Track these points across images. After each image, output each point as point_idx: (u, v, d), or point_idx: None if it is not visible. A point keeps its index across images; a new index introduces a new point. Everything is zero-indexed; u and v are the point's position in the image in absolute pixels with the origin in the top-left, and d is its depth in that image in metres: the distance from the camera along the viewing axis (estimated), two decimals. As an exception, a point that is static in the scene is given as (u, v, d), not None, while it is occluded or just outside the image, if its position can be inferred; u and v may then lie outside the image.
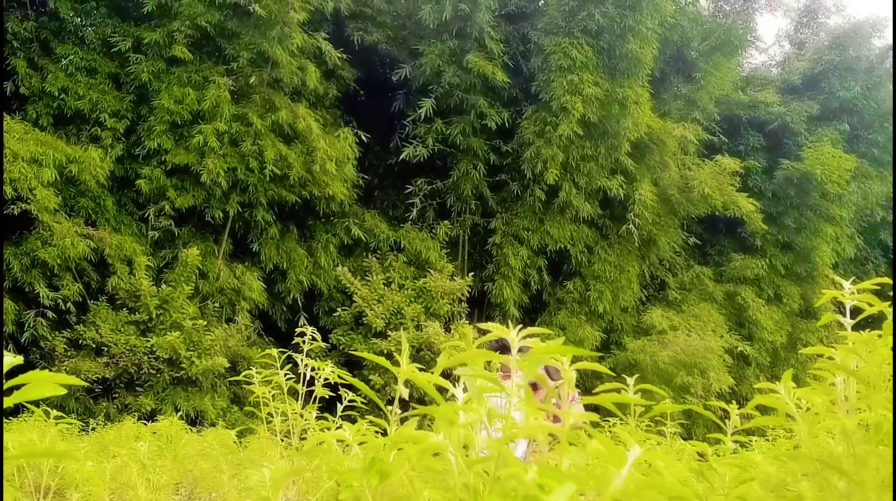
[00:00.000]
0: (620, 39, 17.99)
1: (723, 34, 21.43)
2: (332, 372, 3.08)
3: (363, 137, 17.94)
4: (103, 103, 16.10)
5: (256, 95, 16.65)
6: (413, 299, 17.20)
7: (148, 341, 14.64)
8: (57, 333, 14.39)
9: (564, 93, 17.51)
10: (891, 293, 2.32)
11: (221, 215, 16.36)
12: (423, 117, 17.99)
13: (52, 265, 14.47)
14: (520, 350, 1.51)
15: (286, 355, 3.70)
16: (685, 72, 21.74)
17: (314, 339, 3.69)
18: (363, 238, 18.08)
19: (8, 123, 14.99)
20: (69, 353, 14.32)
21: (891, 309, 1.86)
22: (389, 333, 16.49)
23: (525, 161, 18.07)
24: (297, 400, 3.36)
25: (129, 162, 16.34)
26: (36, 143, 14.98)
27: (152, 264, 15.69)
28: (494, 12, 18.32)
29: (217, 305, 16.16)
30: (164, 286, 15.33)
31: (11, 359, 1.32)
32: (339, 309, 17.33)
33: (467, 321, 17.15)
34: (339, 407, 3.05)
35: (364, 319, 16.80)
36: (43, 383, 1.24)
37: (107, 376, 14.25)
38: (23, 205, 14.17)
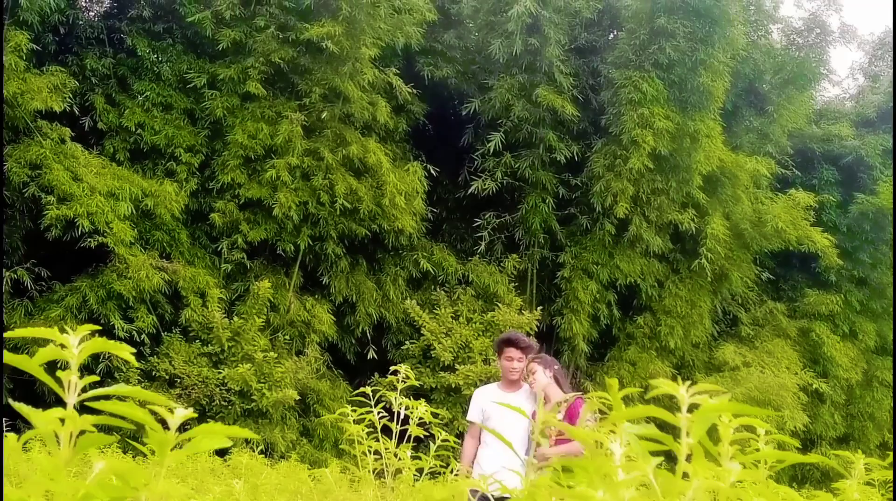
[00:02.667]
0: (692, 73, 17.86)
1: (795, 67, 21.17)
2: (426, 411, 3.07)
3: (432, 171, 18.02)
4: (178, 138, 16.42)
5: (328, 130, 16.84)
6: (481, 333, 17.16)
7: (220, 372, 14.80)
8: (131, 365, 14.60)
9: (635, 126, 17.41)
10: None
11: (292, 248, 16.52)
12: (491, 151, 18.01)
13: (127, 298, 14.73)
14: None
15: (356, 391, 3.69)
16: (757, 105, 21.51)
17: (407, 378, 3.68)
18: (432, 271, 18.11)
19: (86, 157, 15.36)
20: (143, 384, 14.52)
21: None
22: (457, 366, 16.46)
23: (594, 195, 17.99)
24: (389, 439, 3.35)
25: (203, 196, 16.63)
26: (113, 177, 15.33)
27: (225, 297, 15.89)
28: (564, 46, 18.33)
29: (287, 337, 16.29)
30: (235, 319, 15.50)
31: (184, 412, 1.35)
32: (407, 342, 17.35)
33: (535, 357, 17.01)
34: (433, 446, 3.03)
35: (432, 352, 16.80)
36: (213, 435, 1.26)
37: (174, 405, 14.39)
38: (100, 238, 14.48)
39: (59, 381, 1.38)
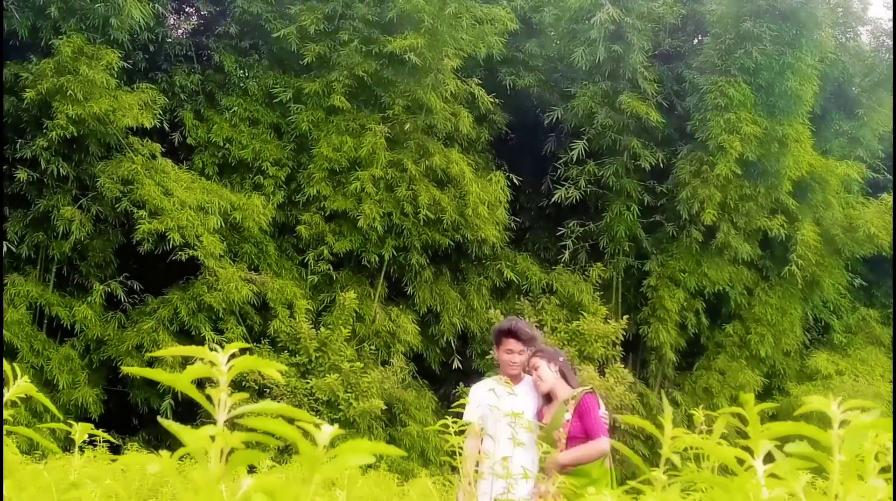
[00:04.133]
0: (779, 77, 17.53)
1: (885, 70, 20.63)
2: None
3: (515, 180, 17.99)
4: (265, 152, 16.69)
5: (411, 141, 16.94)
6: (566, 343, 17.03)
7: (308, 383, 14.95)
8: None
9: (721, 132, 17.14)
10: None
11: (377, 258, 16.63)
12: (574, 159, 17.92)
13: (217, 309, 14.98)
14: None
15: (456, 403, 3.67)
16: (847, 108, 21.01)
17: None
18: (515, 281, 18.06)
19: (176, 172, 15.68)
20: (231, 395, 14.69)
21: None
22: (544, 376, 16.33)
23: (681, 202, 17.76)
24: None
25: (289, 208, 16.85)
26: (202, 191, 15.62)
27: (311, 308, 16.06)
28: (648, 52, 18.16)
29: (373, 347, 16.39)
30: (322, 329, 15.65)
31: (331, 429, 1.37)
32: (491, 352, 17.26)
33: (622, 365, 16.87)
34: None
35: (517, 362, 16.70)
36: (359, 451, 1.27)
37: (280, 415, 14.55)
38: (190, 251, 14.75)
39: (209, 398, 1.41)
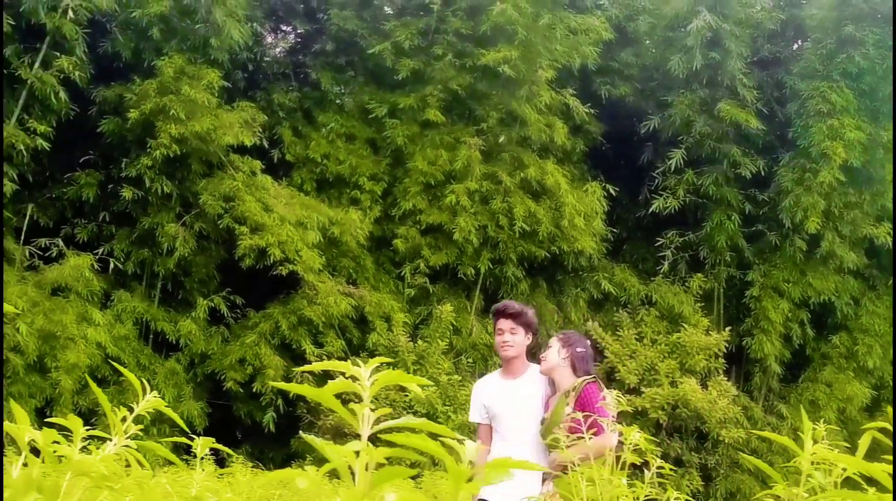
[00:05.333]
0: (883, 81, 17.05)
1: None
2: (642, 437, 3.00)
3: (611, 191, 17.83)
4: (362, 167, 16.87)
5: (505, 154, 16.94)
6: (667, 355, 16.79)
7: (406, 396, 15.01)
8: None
9: (824, 138, 16.72)
10: None
11: (473, 271, 16.64)
12: (672, 168, 17.68)
13: (316, 323, 15.15)
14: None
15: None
16: (957, 110, 20.30)
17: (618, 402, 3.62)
18: (613, 292, 17.88)
19: (276, 188, 15.94)
20: (333, 407, 14.84)
21: None
22: (643, 389, 16.15)
23: (783, 210, 17.35)
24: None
25: (385, 223, 16.99)
26: (301, 207, 15.85)
27: (409, 321, 16.14)
28: (746, 59, 17.84)
29: (470, 360, 16.38)
30: (420, 342, 15.72)
31: (474, 445, 1.37)
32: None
33: (725, 378, 16.55)
34: (647, 474, 2.96)
35: (616, 374, 16.54)
36: (501, 467, 1.27)
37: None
38: (290, 266, 14.96)
39: (352, 413, 1.42)
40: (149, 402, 1.96)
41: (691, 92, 17.82)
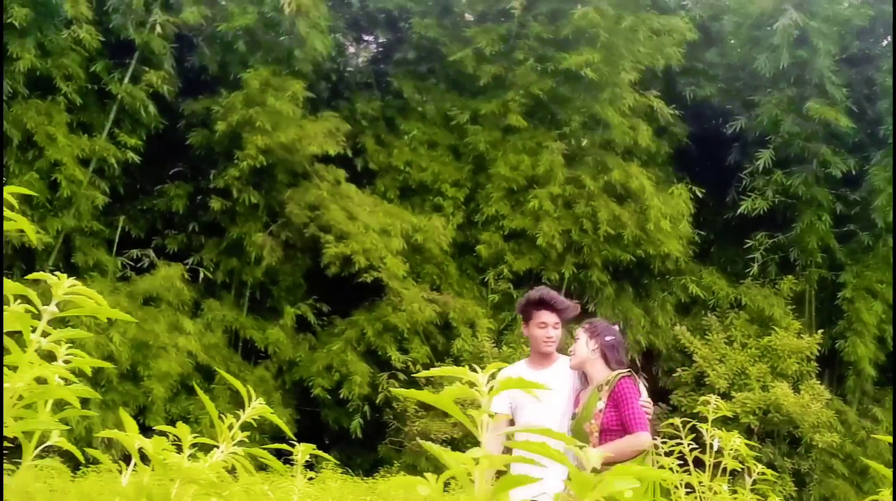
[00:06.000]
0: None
1: None
2: (741, 443, 2.94)
3: (697, 193, 17.54)
4: (444, 174, 16.91)
5: (588, 157, 16.82)
6: (757, 359, 16.47)
7: (492, 402, 14.97)
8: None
9: (918, 135, 16.27)
10: None
11: (557, 276, 16.53)
12: (761, 169, 17.34)
13: (401, 330, 15.23)
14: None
15: (665, 422, 3.58)
16: None
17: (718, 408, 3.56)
18: (701, 296, 17.60)
19: (360, 196, 16.08)
20: (419, 414, 14.93)
21: None
22: (733, 394, 15.86)
23: (875, 209, 16.90)
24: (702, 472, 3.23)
25: (468, 228, 17.00)
26: (385, 214, 15.96)
27: (493, 327, 16.11)
28: (835, 56, 17.42)
29: (556, 365, 16.24)
30: (505, 348, 15.68)
31: (600, 452, 1.37)
32: (678, 369, 16.91)
33: (818, 382, 16.17)
34: (748, 480, 2.90)
35: (706, 379, 16.27)
36: (624, 476, 1.27)
37: (455, 436, 14.69)
38: (375, 273, 15.07)
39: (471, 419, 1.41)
40: (255, 409, 1.99)
41: (778, 91, 17.47)
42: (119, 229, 15.49)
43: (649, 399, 5.30)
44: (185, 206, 15.87)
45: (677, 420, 3.52)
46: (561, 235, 16.27)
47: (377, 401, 14.97)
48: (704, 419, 4.27)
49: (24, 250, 14.02)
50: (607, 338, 5.34)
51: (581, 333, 5.38)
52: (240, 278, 15.85)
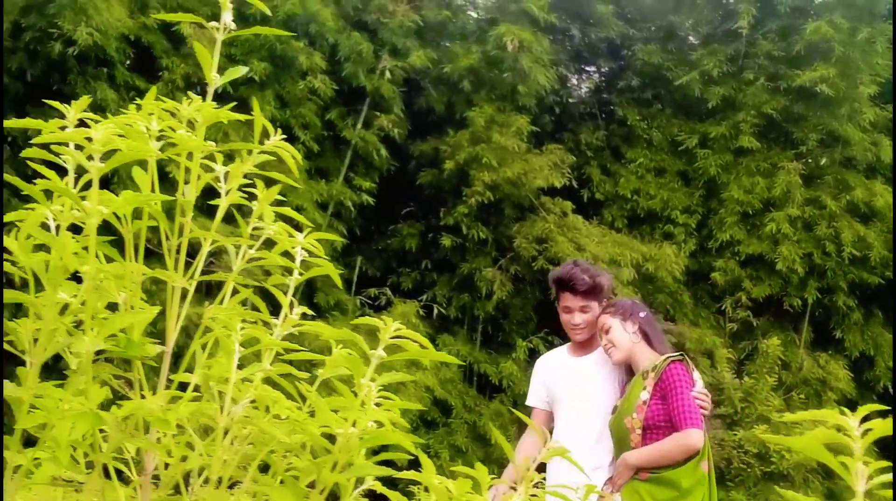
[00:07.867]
0: None
1: None
2: None
3: (951, 209, 16.40)
4: (674, 201, 16.54)
5: (828, 176, 16.07)
6: None
7: (735, 434, 14.44)
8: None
9: None
10: None
11: (800, 302, 15.81)
12: None
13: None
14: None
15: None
16: None
17: None
18: (960, 320, 16.37)
19: (587, 227, 15.94)
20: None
21: None
22: None
23: None
24: None
25: (702, 255, 16.52)
26: (613, 244, 15.75)
27: (732, 357, 15.56)
28: None
29: (802, 396, 15.52)
30: (746, 379, 15.09)
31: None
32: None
33: None
34: None
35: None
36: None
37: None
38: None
39: None
40: (550, 450, 1.93)
41: None
42: (356, 269, 16.00)
43: (705, 390, 4.64)
44: (418, 244, 16.23)
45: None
46: (802, 258, 15.57)
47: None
48: None
49: (263, 291, 14.65)
50: (641, 314, 4.77)
51: (609, 319, 4.71)
52: (472, 313, 16.00)
